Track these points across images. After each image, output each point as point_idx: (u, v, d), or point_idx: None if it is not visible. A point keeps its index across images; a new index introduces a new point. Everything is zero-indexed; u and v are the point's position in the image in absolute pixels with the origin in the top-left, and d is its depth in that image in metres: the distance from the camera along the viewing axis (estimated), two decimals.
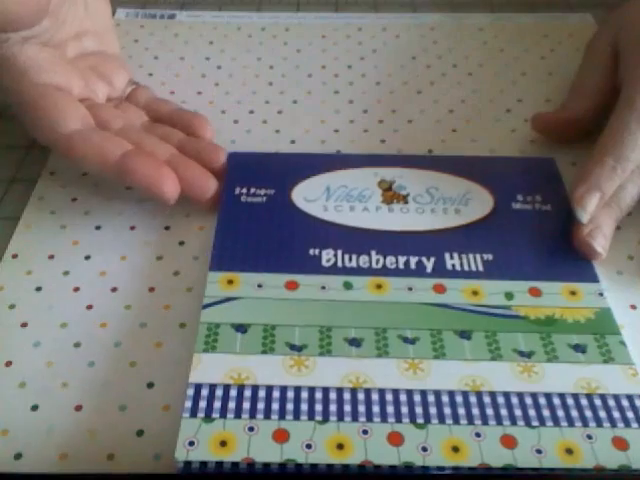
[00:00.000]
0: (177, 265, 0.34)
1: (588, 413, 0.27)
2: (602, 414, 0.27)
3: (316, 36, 0.49)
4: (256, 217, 0.34)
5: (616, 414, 0.27)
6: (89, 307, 0.32)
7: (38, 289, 0.33)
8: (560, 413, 0.27)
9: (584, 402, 0.27)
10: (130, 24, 0.50)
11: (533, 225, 0.34)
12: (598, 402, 0.27)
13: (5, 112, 0.43)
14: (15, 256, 0.34)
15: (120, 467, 0.26)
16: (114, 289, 0.33)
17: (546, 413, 0.27)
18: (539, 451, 0.26)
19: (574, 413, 0.27)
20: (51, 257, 0.34)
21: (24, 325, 0.31)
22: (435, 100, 0.43)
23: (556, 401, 0.27)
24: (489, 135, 0.41)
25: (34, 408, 0.28)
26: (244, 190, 0.36)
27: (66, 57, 0.38)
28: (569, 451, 0.26)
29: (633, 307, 0.32)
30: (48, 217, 0.36)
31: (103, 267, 0.34)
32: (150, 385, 0.29)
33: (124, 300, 0.32)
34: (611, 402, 0.27)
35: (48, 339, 0.31)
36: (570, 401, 0.27)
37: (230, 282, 0.31)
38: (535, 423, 0.26)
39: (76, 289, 0.33)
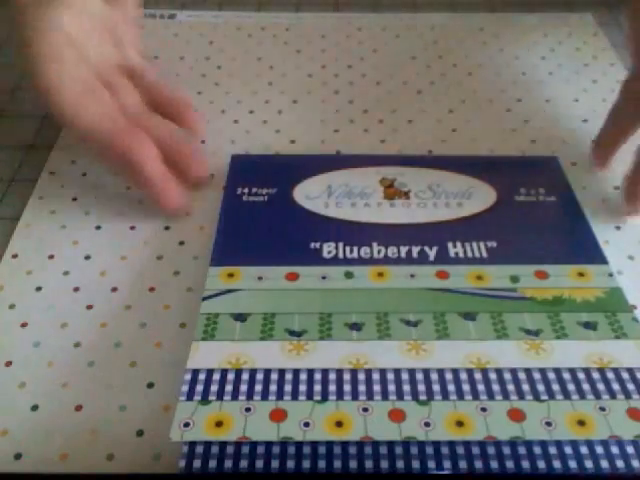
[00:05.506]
0: (177, 265, 0.34)
1: (600, 386, 0.26)
2: (616, 386, 0.26)
3: (316, 36, 0.49)
4: (257, 214, 0.34)
5: (631, 386, 0.26)
6: (89, 307, 0.32)
7: (38, 289, 0.33)
8: (571, 387, 0.26)
9: (596, 376, 0.27)
10: None
11: (537, 213, 0.34)
12: (611, 375, 0.27)
13: (5, 112, 0.43)
14: (15, 256, 0.34)
15: (120, 467, 0.26)
16: (114, 289, 0.33)
17: (556, 387, 0.26)
18: (549, 423, 0.25)
19: (585, 386, 0.26)
20: (51, 257, 0.34)
21: (24, 325, 0.31)
22: (435, 100, 0.43)
23: (566, 376, 0.27)
24: (489, 135, 0.41)
25: (34, 408, 0.28)
26: (245, 190, 0.36)
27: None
28: (581, 423, 0.25)
29: (633, 307, 0.31)
30: (48, 217, 0.36)
31: (103, 267, 0.34)
32: (150, 385, 0.29)
33: (124, 300, 0.32)
34: (625, 375, 0.27)
35: (48, 339, 0.30)
36: (581, 375, 0.27)
37: (230, 275, 0.31)
38: (544, 397, 0.26)
39: (76, 289, 0.33)
